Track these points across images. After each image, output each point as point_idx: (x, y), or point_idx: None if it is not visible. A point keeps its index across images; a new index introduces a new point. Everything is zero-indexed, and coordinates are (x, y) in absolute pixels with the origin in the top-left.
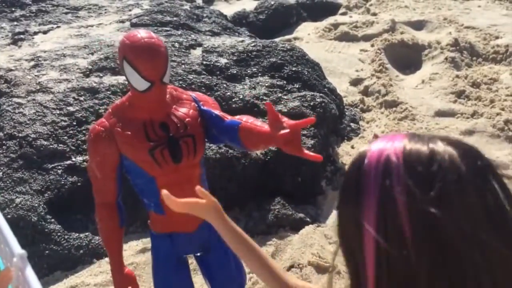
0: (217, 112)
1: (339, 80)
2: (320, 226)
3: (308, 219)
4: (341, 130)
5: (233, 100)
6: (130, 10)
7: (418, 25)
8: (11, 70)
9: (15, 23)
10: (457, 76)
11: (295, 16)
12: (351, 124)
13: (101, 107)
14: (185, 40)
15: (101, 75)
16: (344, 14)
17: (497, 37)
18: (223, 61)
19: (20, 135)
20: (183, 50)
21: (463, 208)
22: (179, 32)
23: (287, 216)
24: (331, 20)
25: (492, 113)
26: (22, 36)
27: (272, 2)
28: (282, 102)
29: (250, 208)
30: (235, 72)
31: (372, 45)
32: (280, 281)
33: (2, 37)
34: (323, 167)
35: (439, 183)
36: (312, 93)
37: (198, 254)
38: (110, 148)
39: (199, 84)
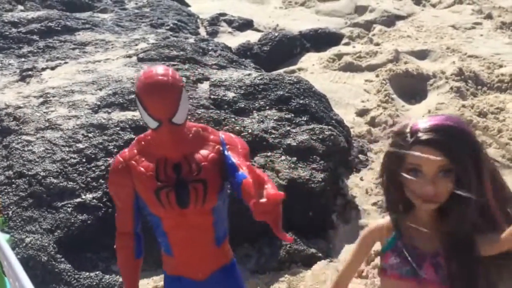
0: (235, 159)
1: (345, 111)
2: (332, 261)
3: (320, 255)
4: (349, 162)
5: (242, 134)
6: (136, 45)
7: (422, 55)
8: (19, 107)
9: (23, 59)
10: (463, 106)
11: (298, 47)
12: (359, 155)
13: (110, 144)
14: (192, 74)
15: (110, 111)
16: (347, 44)
17: (501, 66)
18: (230, 94)
19: (29, 173)
20: (191, 85)
21: None
22: (186, 66)
23: (299, 251)
24: (334, 50)
25: (501, 143)
26: (30, 72)
27: (276, 34)
28: (291, 136)
29: (261, 244)
30: (242, 105)
31: (377, 75)
32: None
33: (10, 73)
34: (333, 201)
35: None
36: (321, 125)
37: None
38: (125, 180)
39: (207, 118)
